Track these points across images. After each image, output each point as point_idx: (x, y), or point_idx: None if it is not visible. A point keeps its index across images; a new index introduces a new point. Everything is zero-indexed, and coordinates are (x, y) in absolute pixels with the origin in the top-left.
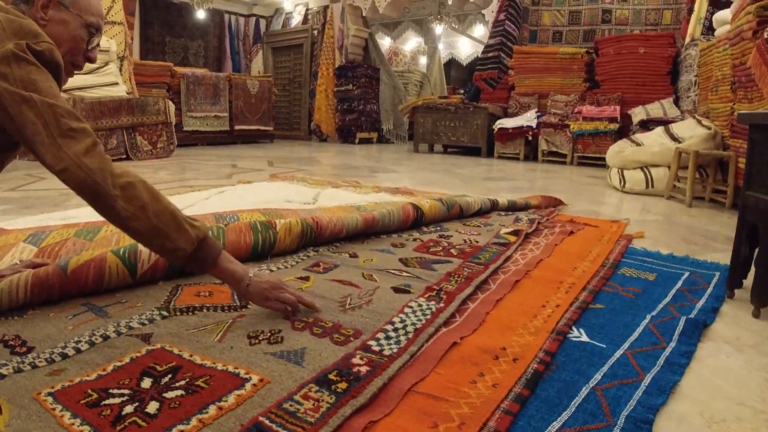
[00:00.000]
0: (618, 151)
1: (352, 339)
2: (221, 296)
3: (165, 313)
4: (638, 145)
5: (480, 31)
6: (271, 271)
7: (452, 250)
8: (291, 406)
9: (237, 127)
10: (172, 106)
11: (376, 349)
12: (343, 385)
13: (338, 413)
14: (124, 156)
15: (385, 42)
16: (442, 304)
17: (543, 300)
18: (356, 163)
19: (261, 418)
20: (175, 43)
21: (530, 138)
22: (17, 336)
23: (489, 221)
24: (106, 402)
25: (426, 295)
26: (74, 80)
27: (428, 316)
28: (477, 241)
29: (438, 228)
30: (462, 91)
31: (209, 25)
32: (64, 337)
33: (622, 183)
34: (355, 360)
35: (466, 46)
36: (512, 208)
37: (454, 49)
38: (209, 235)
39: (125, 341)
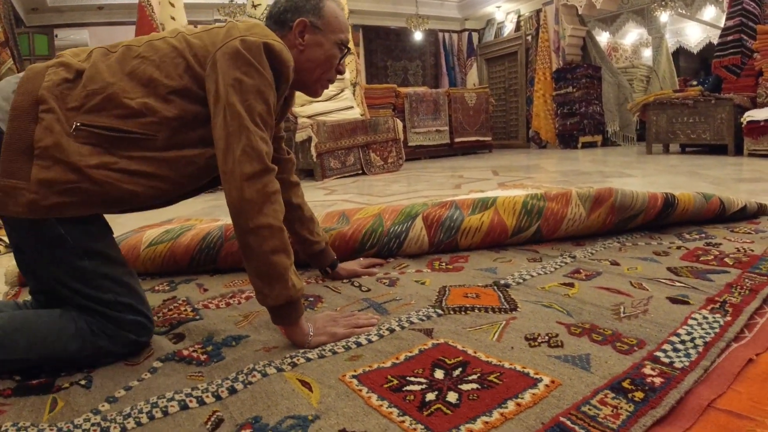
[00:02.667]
0: None
1: (636, 349)
2: (488, 298)
3: (439, 311)
4: None
5: (711, 13)
6: (531, 276)
7: (726, 260)
8: (590, 410)
9: (457, 140)
10: (399, 124)
11: (665, 360)
12: (639, 395)
13: (639, 423)
14: (360, 171)
15: (602, 39)
16: (728, 318)
17: None
18: (584, 168)
19: (562, 419)
20: (395, 65)
21: None
22: None
23: (760, 227)
24: (407, 388)
25: (709, 307)
26: (316, 107)
27: (716, 330)
28: (752, 250)
29: (703, 235)
30: (696, 83)
31: (425, 45)
32: None
33: None
34: (646, 370)
35: (696, 32)
36: None
37: (681, 37)
38: (300, 299)
39: (410, 335)
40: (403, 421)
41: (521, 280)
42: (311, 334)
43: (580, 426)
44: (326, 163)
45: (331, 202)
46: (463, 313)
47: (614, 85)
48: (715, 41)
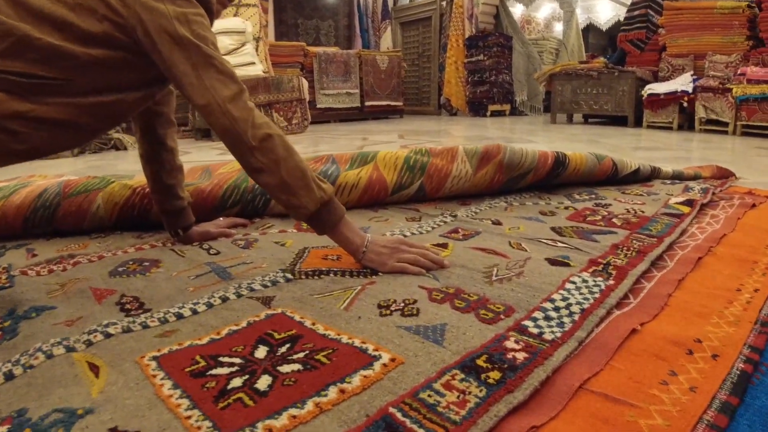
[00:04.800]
0: None
1: (502, 317)
2: (349, 260)
3: (290, 275)
4: None
5: None
6: (405, 236)
7: (614, 220)
8: (430, 396)
9: (368, 104)
10: (305, 83)
11: (534, 331)
12: (495, 375)
13: (490, 411)
14: None
15: (516, 10)
16: (611, 281)
17: (736, 283)
18: (489, 134)
19: (392, 410)
20: (307, 24)
21: (685, 105)
22: (135, 298)
23: (653, 189)
24: (213, 372)
25: (590, 270)
26: None
27: (596, 295)
28: (643, 211)
29: (593, 196)
30: (603, 58)
31: (339, 4)
32: (183, 299)
33: None
34: (509, 343)
35: (606, 10)
36: (678, 178)
37: (592, 14)
38: (334, 199)
39: (244, 304)
40: (189, 417)
41: None
42: (365, 249)
43: (413, 419)
44: None
45: (224, 162)
46: (316, 277)
47: (524, 55)
48: None
